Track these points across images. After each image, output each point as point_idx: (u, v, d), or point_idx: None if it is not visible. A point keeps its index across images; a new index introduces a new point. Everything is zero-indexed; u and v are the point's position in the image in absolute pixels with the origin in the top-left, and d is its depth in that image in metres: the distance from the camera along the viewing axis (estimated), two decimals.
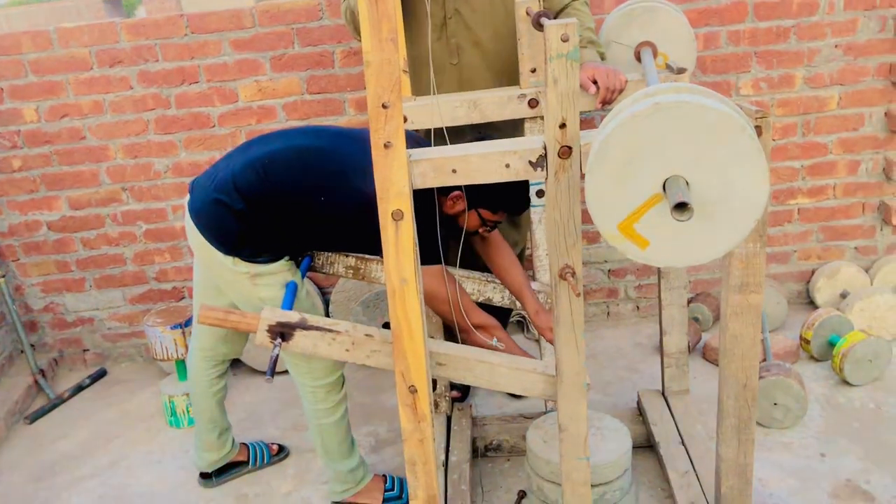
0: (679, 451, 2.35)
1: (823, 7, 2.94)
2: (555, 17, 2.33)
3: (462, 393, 2.88)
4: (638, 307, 3.41)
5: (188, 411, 2.92)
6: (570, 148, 1.68)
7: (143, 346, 3.44)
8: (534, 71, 2.30)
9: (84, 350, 3.47)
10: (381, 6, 1.55)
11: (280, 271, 2.12)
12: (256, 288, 2.10)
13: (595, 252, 3.32)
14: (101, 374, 3.39)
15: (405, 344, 1.82)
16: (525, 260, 2.95)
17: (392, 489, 2.43)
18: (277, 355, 1.89)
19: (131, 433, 2.96)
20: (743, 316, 1.85)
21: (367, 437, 2.78)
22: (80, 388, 3.29)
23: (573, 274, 1.79)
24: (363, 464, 2.42)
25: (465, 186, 2.06)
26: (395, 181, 1.68)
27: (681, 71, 2.27)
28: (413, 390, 1.86)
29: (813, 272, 3.29)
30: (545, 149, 1.70)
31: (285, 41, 3.01)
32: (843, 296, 3.17)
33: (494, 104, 2.29)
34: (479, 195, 2.09)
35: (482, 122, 2.30)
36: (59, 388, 3.32)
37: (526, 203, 2.25)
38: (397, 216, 1.71)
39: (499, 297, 2.52)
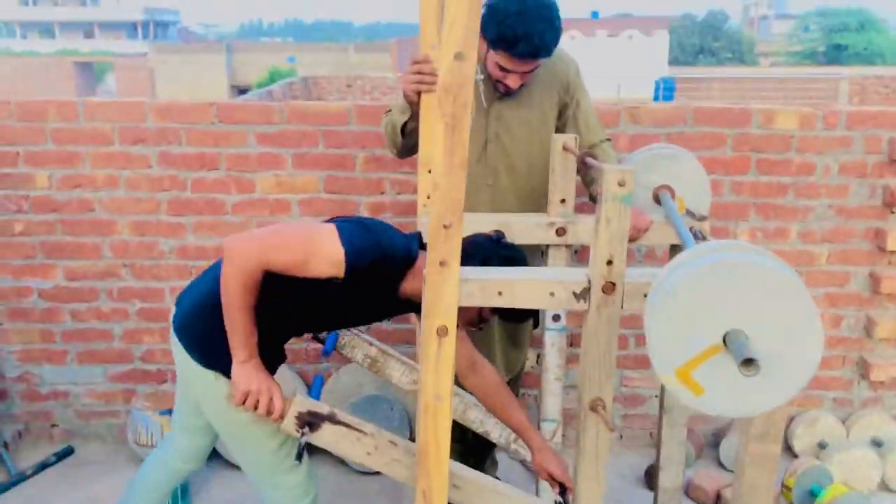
0: None
1: (820, 170, 3.14)
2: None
3: None
4: (622, 436, 3.44)
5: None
6: (614, 284, 1.76)
7: (117, 426, 3.33)
8: (563, 201, 2.39)
9: (52, 425, 3.34)
10: (457, 135, 1.62)
11: None
12: (236, 410, 1.98)
13: None
14: (67, 453, 3.25)
15: (431, 463, 1.81)
16: (522, 377, 2.98)
17: None
18: (305, 446, 1.88)
19: None
20: (761, 465, 1.89)
21: None
22: (44, 466, 3.14)
23: (604, 406, 1.83)
24: None
25: None
26: (445, 298, 1.72)
27: (702, 218, 2.40)
28: None
29: (792, 419, 3.38)
30: (589, 282, 1.77)
31: (310, 140, 3.08)
32: (822, 446, 3.25)
33: (524, 229, 2.37)
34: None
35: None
36: (20, 463, 3.16)
37: (527, 314, 2.14)
38: (442, 332, 1.74)
39: (497, 434, 2.53)
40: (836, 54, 38.73)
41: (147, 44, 43.89)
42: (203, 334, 1.99)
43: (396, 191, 3.16)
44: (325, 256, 1.85)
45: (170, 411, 2.76)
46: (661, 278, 1.50)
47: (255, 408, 1.93)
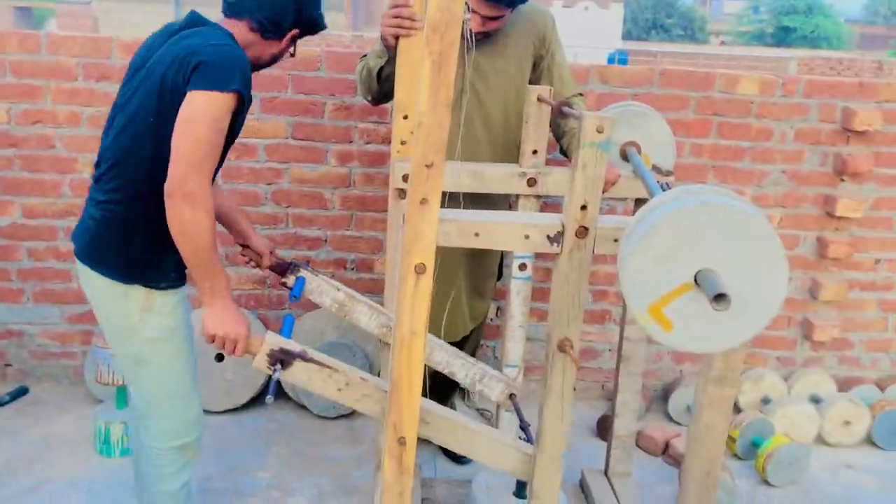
0: None
1: (777, 136, 3.25)
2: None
3: None
4: (575, 388, 3.53)
5: (123, 441, 2.81)
6: (586, 228, 1.81)
7: (72, 367, 3.30)
8: (535, 152, 2.44)
9: (6, 365, 3.29)
10: (443, 74, 1.65)
11: (172, 313, 1.99)
12: (143, 325, 1.95)
13: (541, 330, 3.44)
14: (21, 392, 3.21)
15: (403, 396, 1.86)
16: (483, 328, 3.04)
17: None
18: (278, 378, 1.90)
19: (56, 457, 2.81)
20: (717, 407, 1.98)
21: (310, 487, 2.75)
22: None
23: (572, 346, 1.90)
24: None
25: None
26: (424, 236, 1.76)
27: (668, 173, 2.47)
28: (402, 442, 1.90)
29: None
30: (563, 226, 1.83)
31: (279, 85, 3.06)
32: (765, 401, 3.40)
33: (496, 178, 2.41)
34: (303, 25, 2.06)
35: (482, 191, 2.41)
36: None
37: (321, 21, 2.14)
38: (419, 269, 1.77)
39: (462, 374, 2.56)
40: (783, 36, 39.53)
41: None
42: (112, 250, 1.93)
43: (365, 140, 3.17)
44: (228, 112, 1.83)
45: None
46: (637, 217, 1.56)
47: (223, 348, 1.94)
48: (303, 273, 2.26)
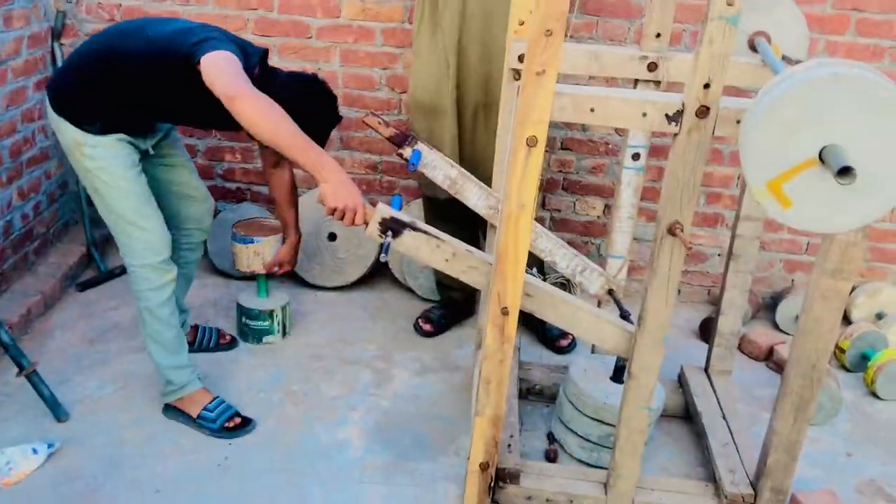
0: (720, 423, 2.45)
1: None
2: None
3: None
4: (679, 291, 3.50)
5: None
6: (708, 108, 1.76)
7: None
8: (658, 36, 2.36)
9: None
10: None
11: (106, 145, 2.19)
12: (84, 158, 2.19)
13: (649, 230, 3.39)
14: None
15: (508, 267, 1.89)
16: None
17: (212, 410, 2.42)
18: (389, 243, 1.99)
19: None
20: (829, 300, 1.93)
21: (413, 361, 2.87)
22: None
23: (682, 229, 1.87)
24: (190, 369, 2.44)
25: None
26: (539, 108, 1.74)
27: (798, 62, 2.34)
28: (505, 312, 1.94)
29: (854, 289, 3.39)
30: (683, 105, 1.78)
31: None
32: (879, 316, 3.27)
33: (614, 60, 2.35)
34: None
35: (600, 75, 2.36)
36: (109, 264, 3.37)
37: (334, 121, 2.45)
38: (531, 142, 1.77)
39: (564, 264, 2.56)
40: None
41: None
42: (64, 91, 2.22)
43: None
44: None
45: (253, 240, 2.85)
46: (763, 90, 1.50)
47: (342, 219, 2.06)
48: (419, 146, 2.30)
